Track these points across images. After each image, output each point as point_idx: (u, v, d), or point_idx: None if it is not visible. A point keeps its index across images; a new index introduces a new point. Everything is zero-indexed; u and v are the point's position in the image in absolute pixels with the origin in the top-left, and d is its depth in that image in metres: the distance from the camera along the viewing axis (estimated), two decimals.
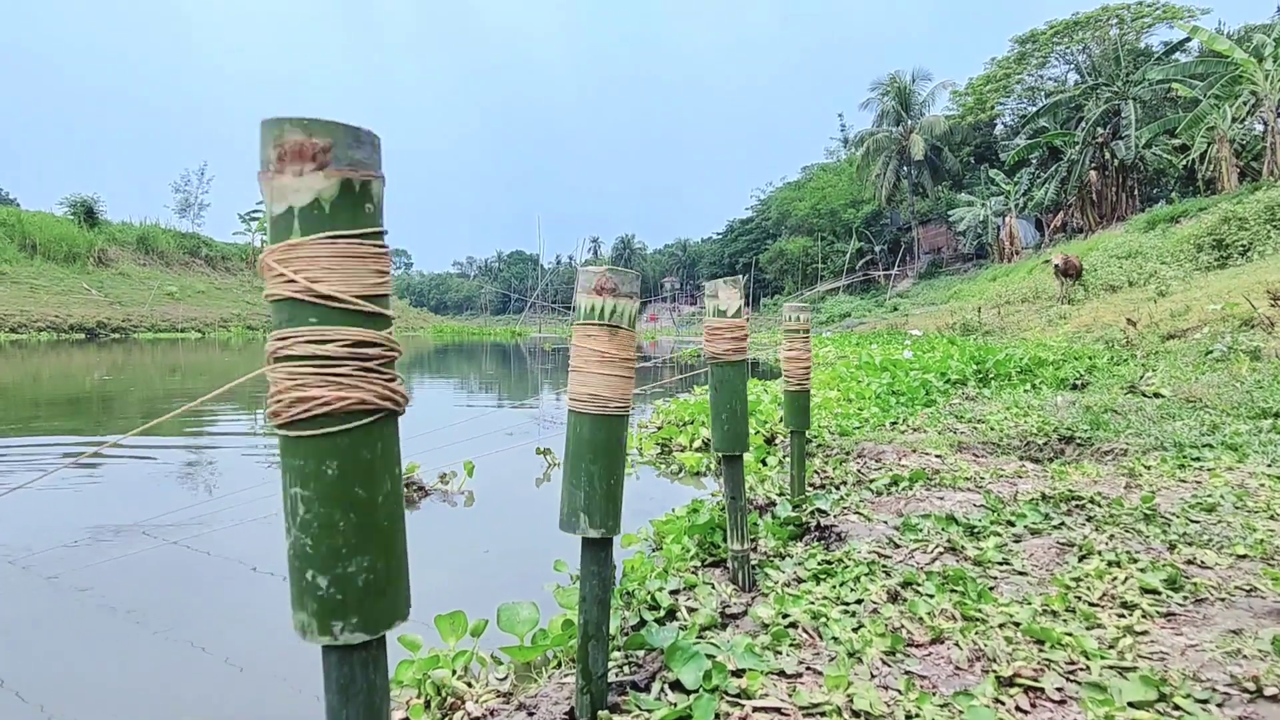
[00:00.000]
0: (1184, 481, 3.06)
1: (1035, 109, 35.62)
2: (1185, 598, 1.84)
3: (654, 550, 2.78)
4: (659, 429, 5.39)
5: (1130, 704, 1.34)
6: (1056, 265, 17.47)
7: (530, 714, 1.49)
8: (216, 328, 30.43)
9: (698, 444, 4.94)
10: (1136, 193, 29.28)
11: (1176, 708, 1.33)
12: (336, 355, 0.72)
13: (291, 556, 0.75)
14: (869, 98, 44.51)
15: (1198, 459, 3.46)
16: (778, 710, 1.38)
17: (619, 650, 1.70)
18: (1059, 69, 38.64)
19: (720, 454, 2.15)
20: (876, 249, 47.49)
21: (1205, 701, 1.35)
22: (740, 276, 2.15)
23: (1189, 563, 2.09)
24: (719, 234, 71.95)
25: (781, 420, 5.15)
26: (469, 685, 1.69)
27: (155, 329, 27.67)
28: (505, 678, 1.73)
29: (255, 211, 40.09)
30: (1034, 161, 34.08)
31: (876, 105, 44.29)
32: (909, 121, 42.72)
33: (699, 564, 2.43)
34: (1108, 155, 29.16)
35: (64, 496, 3.76)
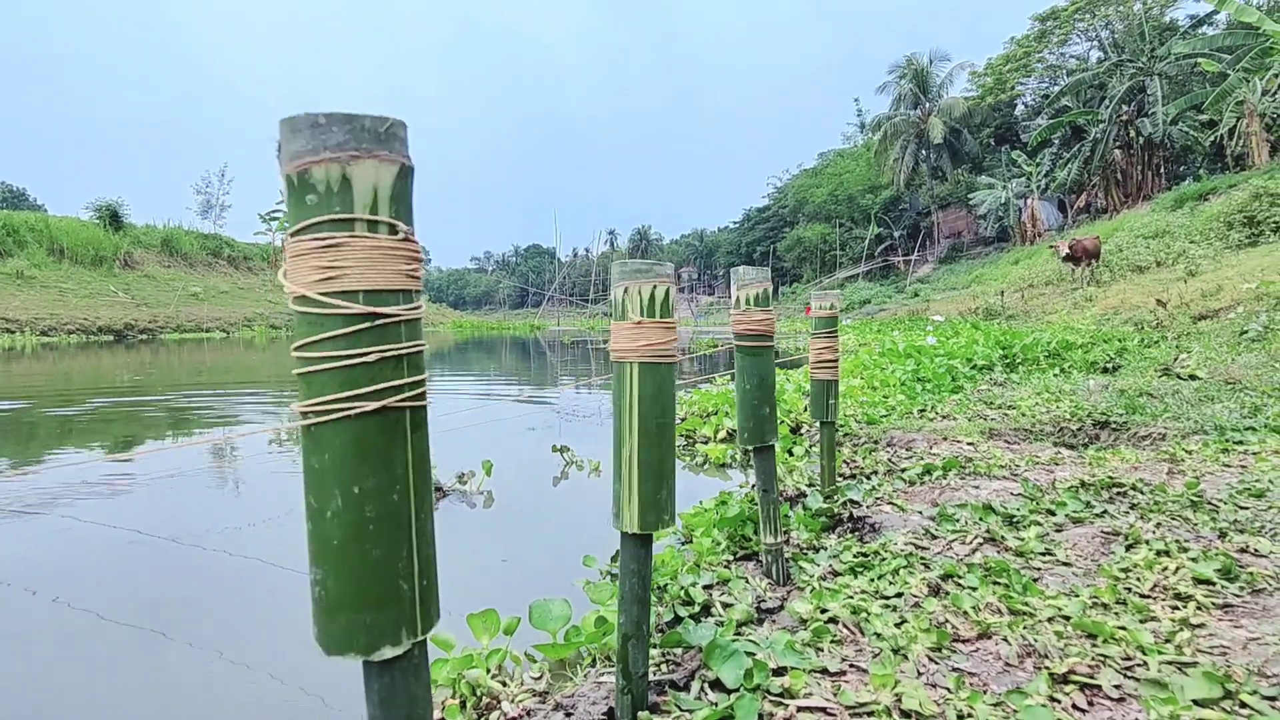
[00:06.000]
0: (1228, 466, 2.96)
1: (1057, 88, 34.85)
2: (1241, 588, 1.77)
3: (684, 544, 2.74)
4: (682, 420, 5.34)
5: (1195, 701, 1.28)
6: (1062, 252, 17.10)
7: (568, 714, 1.46)
8: (240, 327, 30.78)
9: (722, 435, 4.89)
10: (1163, 171, 28.66)
11: (1244, 705, 1.27)
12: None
13: None
14: (886, 81, 43.90)
15: (1241, 442, 3.36)
16: (823, 710, 1.34)
17: (656, 648, 1.67)
18: (1081, 46, 37.75)
19: (750, 447, 2.11)
20: (895, 234, 46.92)
21: (1274, 699, 1.28)
22: (766, 266, 2.10)
23: (1242, 551, 2.02)
24: (736, 223, 71.52)
25: (806, 409, 5.09)
26: (504, 685, 1.67)
27: (181, 329, 28.05)
28: (540, 676, 1.71)
29: (276, 211, 40.28)
30: (1056, 142, 33.38)
31: (893, 88, 43.65)
32: (927, 104, 42.08)
33: (730, 558, 2.39)
34: (1133, 133, 28.54)
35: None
